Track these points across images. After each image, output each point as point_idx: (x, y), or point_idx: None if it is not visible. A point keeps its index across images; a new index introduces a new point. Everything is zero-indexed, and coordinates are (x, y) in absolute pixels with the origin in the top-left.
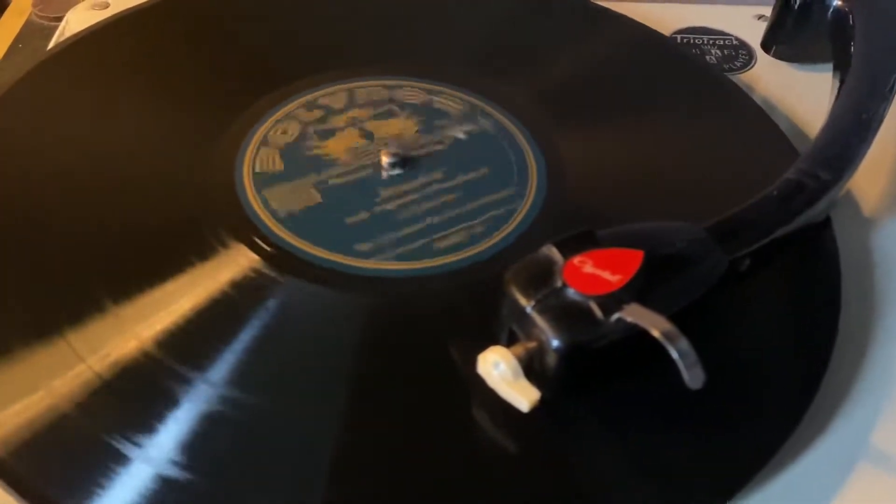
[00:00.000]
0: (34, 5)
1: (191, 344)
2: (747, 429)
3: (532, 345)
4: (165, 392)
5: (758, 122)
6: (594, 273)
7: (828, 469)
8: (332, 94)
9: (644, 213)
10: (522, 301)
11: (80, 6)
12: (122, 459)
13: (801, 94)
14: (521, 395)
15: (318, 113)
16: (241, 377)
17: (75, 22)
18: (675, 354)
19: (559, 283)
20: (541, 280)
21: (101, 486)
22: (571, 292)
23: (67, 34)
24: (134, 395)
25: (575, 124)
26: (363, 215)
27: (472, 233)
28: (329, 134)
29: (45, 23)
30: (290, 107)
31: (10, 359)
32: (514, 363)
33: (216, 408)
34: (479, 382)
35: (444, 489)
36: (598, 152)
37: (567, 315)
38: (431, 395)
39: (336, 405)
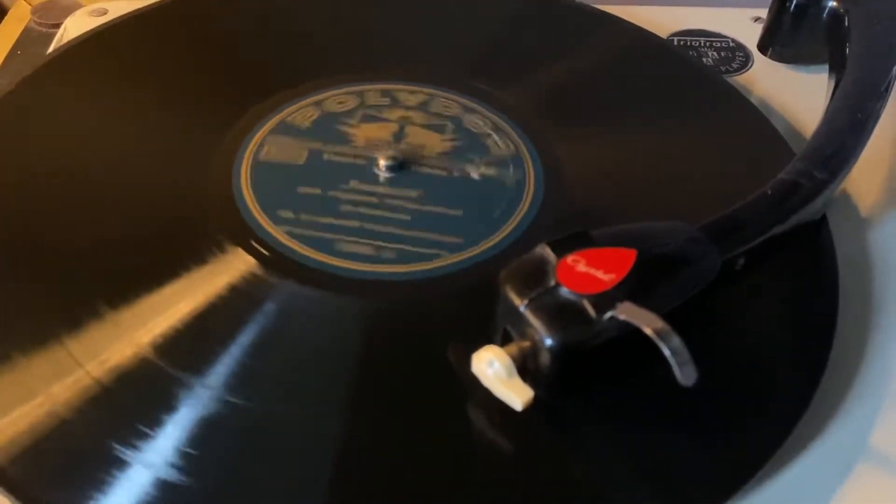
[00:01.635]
0: (33, 12)
1: (189, 349)
2: (746, 429)
3: (526, 344)
4: (164, 397)
5: (755, 123)
6: (587, 272)
7: (827, 469)
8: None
9: (642, 214)
10: (516, 300)
11: (78, 13)
12: (121, 465)
13: (798, 96)
14: (515, 394)
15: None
16: (240, 381)
17: (74, 29)
18: (667, 352)
19: (552, 283)
20: (534, 279)
21: (101, 492)
22: (565, 291)
23: (66, 41)
24: (133, 401)
25: (570, 123)
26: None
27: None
28: (371, 119)
29: (44, 30)
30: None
31: (8, 365)
32: (508, 362)
33: (215, 412)
34: (480, 384)
35: (444, 492)
36: (595, 151)
37: (560, 314)
38: (431, 398)
39: (335, 409)
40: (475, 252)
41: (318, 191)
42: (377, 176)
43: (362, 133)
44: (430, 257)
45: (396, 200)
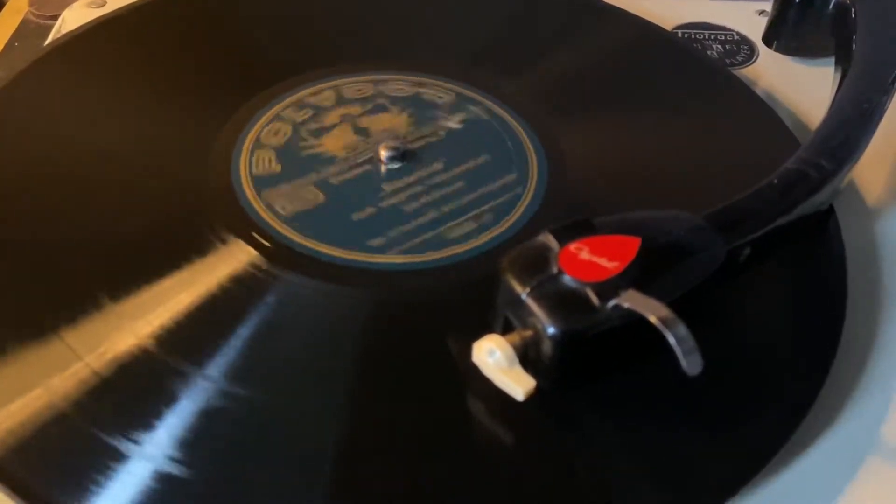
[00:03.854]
0: (31, 4)
1: (190, 340)
2: (753, 423)
3: (528, 333)
4: (164, 389)
5: (760, 115)
6: (591, 260)
7: (836, 462)
8: (319, 94)
9: (647, 206)
10: (518, 288)
11: (76, 5)
12: (120, 457)
13: (803, 89)
14: (516, 384)
15: (307, 112)
16: (241, 373)
17: (71, 20)
18: (672, 340)
19: (555, 270)
20: (537, 267)
21: (100, 485)
22: (567, 279)
23: (64, 32)
24: (132, 393)
25: (575, 115)
26: (369, 210)
27: (480, 222)
28: (323, 132)
29: (42, 21)
30: (287, 102)
31: (7, 358)
32: (510, 351)
33: (216, 404)
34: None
35: (447, 485)
36: (599, 142)
37: (563, 302)
38: (434, 389)
39: (336, 400)
40: (498, 231)
41: (372, 210)
42: (390, 170)
43: (329, 146)
44: (511, 204)
45: (432, 179)
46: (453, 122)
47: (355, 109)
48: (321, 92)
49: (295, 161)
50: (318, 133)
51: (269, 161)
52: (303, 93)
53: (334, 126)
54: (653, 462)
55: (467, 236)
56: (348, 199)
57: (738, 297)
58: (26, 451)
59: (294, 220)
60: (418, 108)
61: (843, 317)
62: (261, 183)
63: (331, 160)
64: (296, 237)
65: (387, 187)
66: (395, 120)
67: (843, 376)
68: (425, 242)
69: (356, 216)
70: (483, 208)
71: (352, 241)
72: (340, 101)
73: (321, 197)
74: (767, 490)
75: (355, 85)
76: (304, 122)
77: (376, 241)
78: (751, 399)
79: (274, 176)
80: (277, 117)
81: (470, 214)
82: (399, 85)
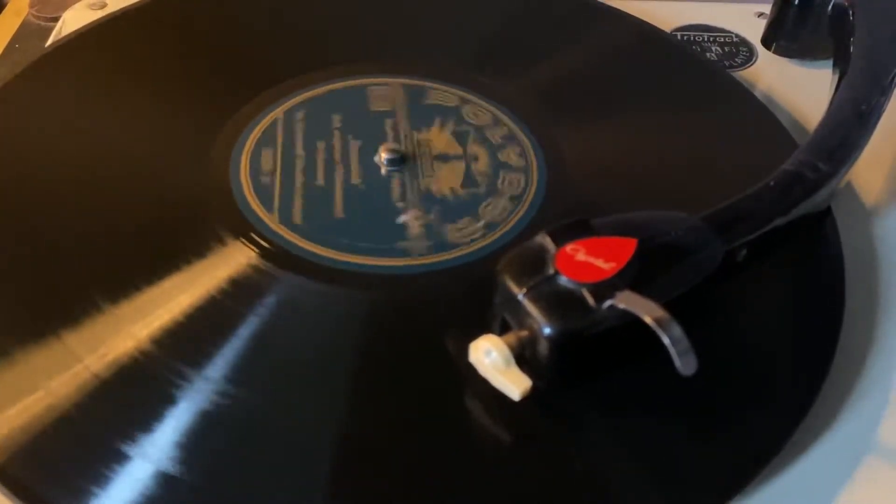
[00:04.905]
0: (31, 5)
1: (189, 342)
2: (752, 424)
3: (524, 333)
4: (164, 391)
5: (759, 116)
6: (587, 261)
7: (834, 463)
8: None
9: (646, 205)
10: (514, 289)
11: (76, 6)
12: (121, 458)
13: (802, 90)
14: (513, 384)
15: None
16: (240, 374)
17: (72, 22)
18: (666, 341)
19: (551, 271)
20: (533, 268)
21: (101, 486)
22: (564, 280)
23: (64, 34)
24: (132, 394)
25: (575, 117)
26: (369, 212)
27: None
28: (323, 134)
29: (42, 23)
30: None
31: (7, 360)
32: (506, 351)
33: (215, 406)
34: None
35: (445, 485)
36: (599, 144)
37: (559, 302)
38: (433, 390)
39: (336, 401)
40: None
41: (366, 213)
42: (390, 173)
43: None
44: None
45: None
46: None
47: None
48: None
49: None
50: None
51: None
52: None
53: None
54: (651, 464)
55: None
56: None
57: (736, 298)
58: (27, 454)
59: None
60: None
61: (841, 318)
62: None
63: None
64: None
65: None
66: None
67: (841, 377)
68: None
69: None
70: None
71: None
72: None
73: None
74: (766, 491)
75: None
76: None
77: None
78: (750, 400)
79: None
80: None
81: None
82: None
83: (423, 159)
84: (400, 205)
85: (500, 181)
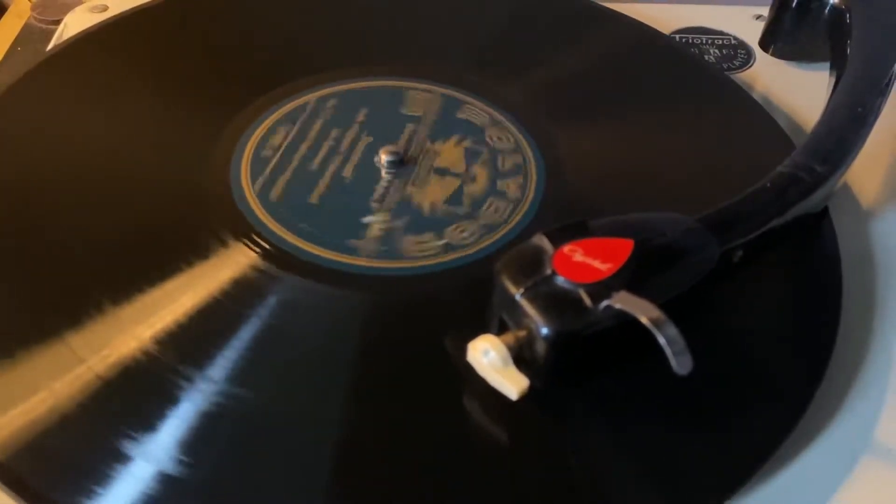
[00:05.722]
0: (33, 8)
1: (191, 343)
2: (750, 423)
3: (522, 333)
4: (166, 391)
5: (757, 118)
6: (584, 261)
7: (831, 463)
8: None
9: (644, 207)
10: (512, 289)
11: (78, 9)
12: (123, 459)
13: (800, 93)
14: (510, 383)
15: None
16: (242, 375)
17: (74, 25)
18: (662, 340)
19: (549, 272)
20: (531, 268)
21: (103, 486)
22: (561, 280)
23: (66, 37)
24: (135, 395)
25: (573, 119)
26: (370, 214)
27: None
28: (324, 136)
29: (44, 26)
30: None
31: (10, 361)
32: (504, 351)
33: (217, 406)
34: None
35: (444, 484)
36: (597, 146)
37: (556, 302)
38: (432, 391)
39: (337, 401)
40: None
41: (365, 212)
42: (390, 174)
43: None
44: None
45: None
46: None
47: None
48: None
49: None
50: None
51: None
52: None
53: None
54: (649, 462)
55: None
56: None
57: (734, 298)
58: (30, 454)
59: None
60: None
61: (838, 318)
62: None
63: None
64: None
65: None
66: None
67: (838, 377)
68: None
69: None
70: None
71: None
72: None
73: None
74: (764, 490)
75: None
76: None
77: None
78: (747, 400)
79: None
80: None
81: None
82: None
83: (422, 168)
84: (374, 205)
85: (484, 207)
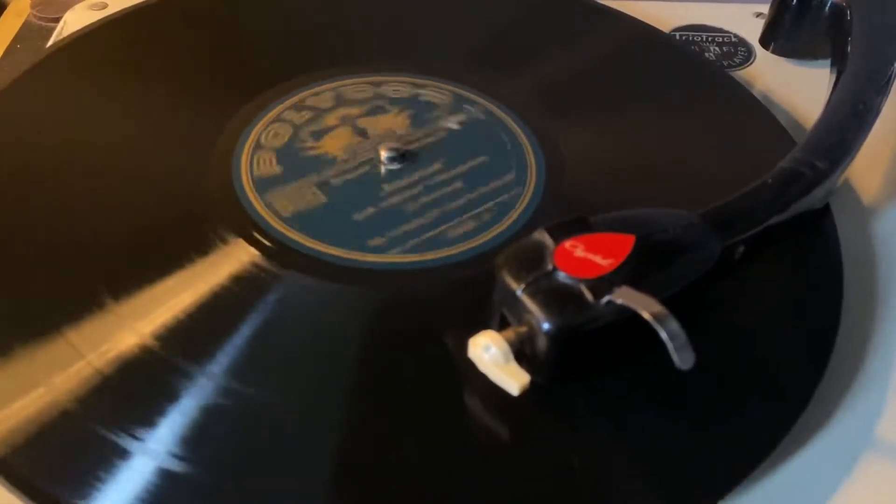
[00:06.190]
0: (33, 6)
1: (192, 338)
2: (750, 421)
3: (523, 329)
4: (166, 387)
5: (757, 116)
6: (585, 257)
7: (831, 460)
8: (318, 95)
9: (645, 203)
10: (513, 284)
11: (78, 7)
12: (123, 454)
13: (800, 90)
14: (511, 379)
15: (307, 113)
16: (243, 371)
17: (73, 22)
18: (664, 335)
19: (550, 267)
20: (532, 264)
21: (103, 482)
22: (562, 276)
23: (65, 34)
24: (135, 390)
25: (573, 116)
26: (370, 211)
27: (480, 222)
28: (323, 133)
29: (44, 24)
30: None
31: (10, 356)
32: (505, 347)
33: (217, 402)
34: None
35: (446, 481)
36: (597, 143)
37: (557, 298)
38: (434, 387)
39: (337, 398)
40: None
41: (372, 211)
42: (391, 171)
43: (329, 147)
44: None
45: (433, 179)
46: (452, 123)
47: (355, 111)
48: (321, 93)
49: (295, 162)
50: (319, 134)
51: (270, 162)
52: (302, 94)
53: (334, 127)
54: (649, 459)
55: (467, 236)
56: (349, 200)
57: (734, 295)
58: (30, 449)
59: (295, 221)
60: (417, 109)
61: (839, 315)
62: (262, 184)
63: (331, 161)
64: (297, 237)
65: (387, 187)
66: (395, 121)
67: (839, 374)
68: (425, 242)
69: (357, 216)
70: (482, 208)
71: (352, 241)
72: (340, 102)
73: (322, 197)
74: (763, 488)
75: (354, 86)
76: (304, 124)
77: (376, 241)
78: (748, 397)
79: (275, 177)
80: (278, 119)
81: (469, 214)
82: (398, 86)
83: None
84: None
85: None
